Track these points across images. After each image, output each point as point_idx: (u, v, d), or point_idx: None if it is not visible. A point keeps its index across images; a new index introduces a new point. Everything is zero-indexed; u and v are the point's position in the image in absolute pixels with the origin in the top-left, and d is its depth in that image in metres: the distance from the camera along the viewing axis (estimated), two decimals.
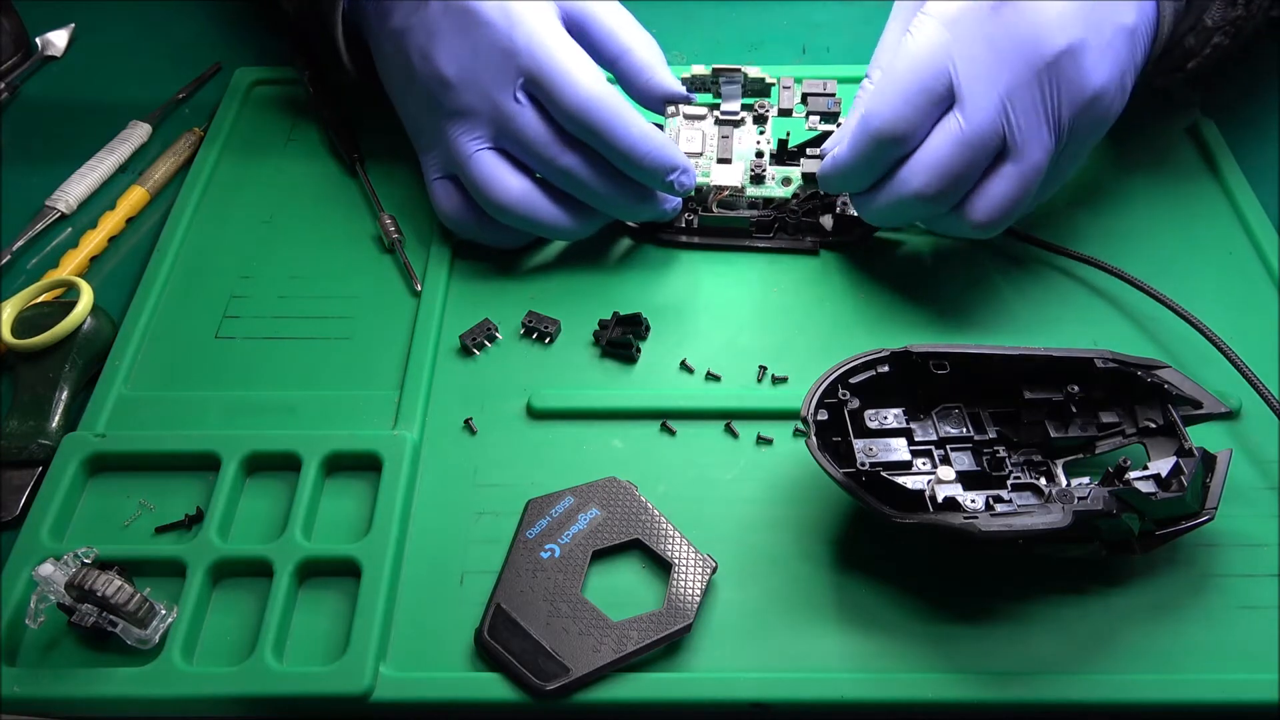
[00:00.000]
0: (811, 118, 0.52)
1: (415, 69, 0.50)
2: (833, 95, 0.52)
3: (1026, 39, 0.44)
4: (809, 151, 0.53)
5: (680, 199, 0.52)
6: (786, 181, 0.53)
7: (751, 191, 0.53)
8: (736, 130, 0.53)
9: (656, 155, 0.47)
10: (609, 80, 0.50)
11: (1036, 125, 0.44)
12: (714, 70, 0.52)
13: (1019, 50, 0.44)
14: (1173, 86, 0.56)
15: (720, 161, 0.53)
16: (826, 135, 0.53)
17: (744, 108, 0.53)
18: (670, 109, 0.53)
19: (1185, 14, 0.50)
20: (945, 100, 0.44)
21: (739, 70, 0.52)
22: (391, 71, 0.53)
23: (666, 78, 0.51)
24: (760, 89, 0.53)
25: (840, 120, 0.52)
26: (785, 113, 0.53)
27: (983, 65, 0.44)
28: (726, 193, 0.52)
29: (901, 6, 0.51)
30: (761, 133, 0.53)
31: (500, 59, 0.47)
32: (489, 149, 0.49)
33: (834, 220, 0.53)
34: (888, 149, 0.45)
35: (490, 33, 0.48)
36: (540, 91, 0.47)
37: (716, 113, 0.53)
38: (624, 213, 0.51)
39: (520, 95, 0.48)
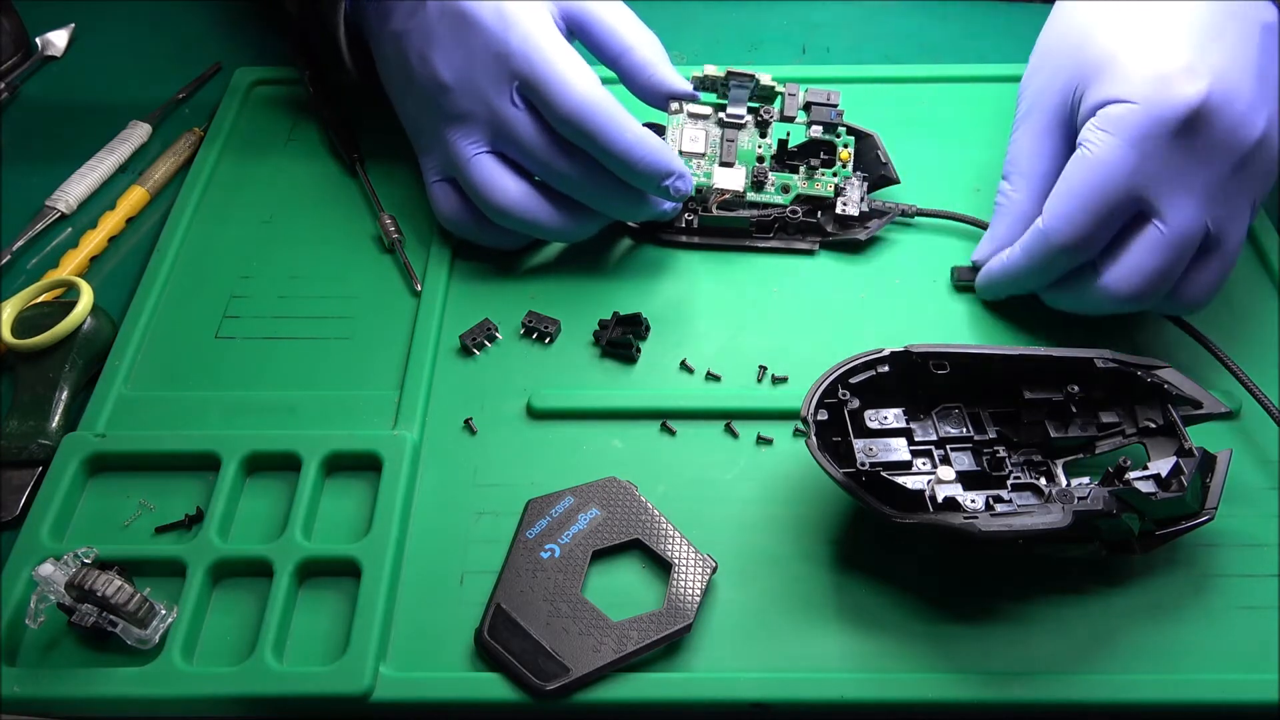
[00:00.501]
0: (814, 127, 0.53)
1: (414, 72, 0.50)
2: (835, 105, 0.53)
3: (1223, 141, 0.43)
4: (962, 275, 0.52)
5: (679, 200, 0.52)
6: (785, 189, 0.53)
7: (751, 197, 0.53)
8: (740, 134, 0.53)
9: (652, 160, 0.47)
10: (609, 80, 0.50)
11: (1237, 214, 0.44)
12: (727, 73, 0.52)
13: (1216, 153, 0.43)
14: None
15: (723, 165, 0.53)
16: (820, 143, 0.53)
17: (748, 111, 0.53)
18: (674, 105, 0.53)
19: None
20: (1135, 207, 0.44)
21: (752, 76, 0.52)
22: (391, 74, 0.53)
23: (669, 74, 0.51)
24: (767, 95, 0.53)
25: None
26: (788, 119, 0.53)
27: (1179, 175, 0.43)
28: (727, 196, 0.52)
29: (1032, 104, 0.50)
30: (763, 136, 0.53)
31: (495, 63, 0.47)
32: (487, 152, 0.49)
33: (834, 220, 0.53)
34: (1069, 260, 0.46)
35: (485, 36, 0.48)
36: (534, 96, 0.47)
37: (721, 114, 0.53)
38: (622, 214, 0.51)
39: (516, 99, 0.48)
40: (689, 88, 0.51)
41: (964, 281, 0.51)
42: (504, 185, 0.49)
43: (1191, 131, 0.43)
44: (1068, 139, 0.48)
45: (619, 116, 0.47)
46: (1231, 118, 0.43)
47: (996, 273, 0.49)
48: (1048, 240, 0.45)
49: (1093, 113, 0.45)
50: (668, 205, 0.52)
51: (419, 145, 0.53)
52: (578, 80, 0.47)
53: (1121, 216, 0.44)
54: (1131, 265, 0.44)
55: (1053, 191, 0.46)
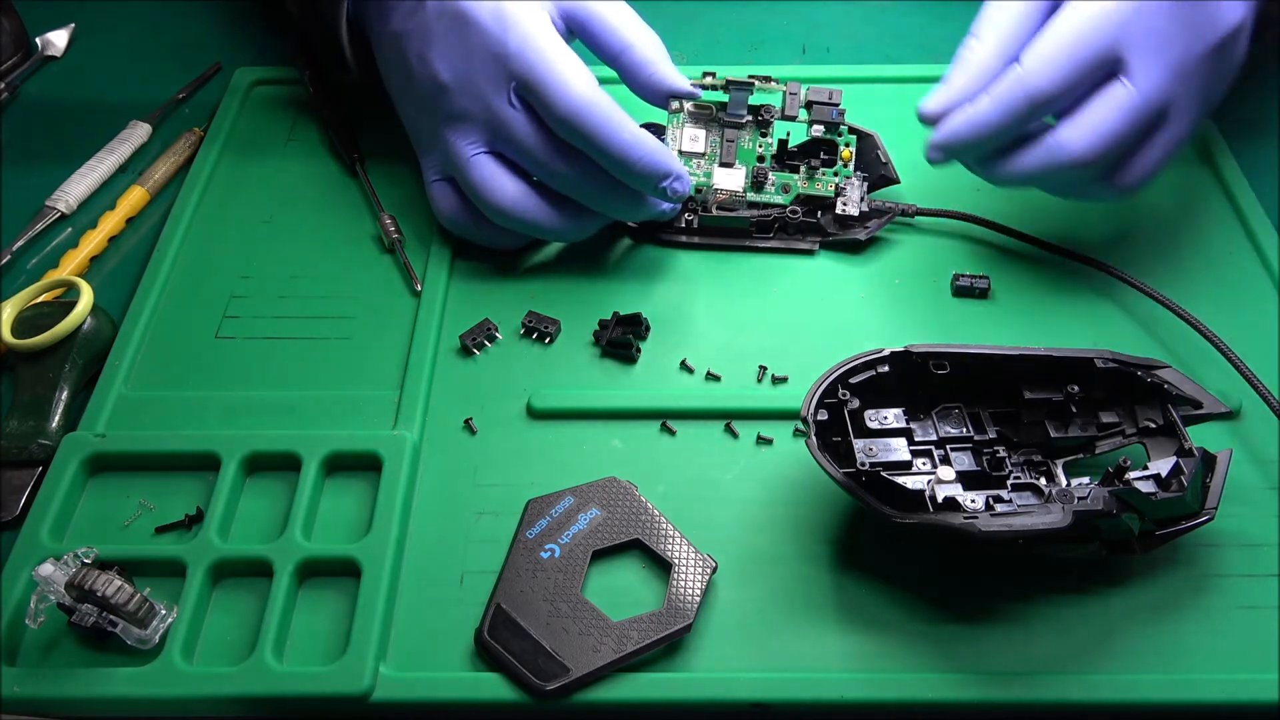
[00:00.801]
0: (815, 127, 0.53)
1: (413, 72, 0.50)
2: (837, 105, 0.53)
3: (1208, 19, 0.44)
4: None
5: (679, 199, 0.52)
6: (786, 189, 0.53)
7: (751, 198, 0.53)
8: (740, 133, 0.53)
9: (649, 161, 0.47)
10: (608, 80, 0.50)
11: (1197, 98, 0.45)
12: (727, 81, 0.52)
13: (1195, 25, 0.44)
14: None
15: (723, 165, 0.53)
16: (821, 143, 0.53)
17: (748, 110, 0.53)
18: (674, 104, 0.53)
19: None
20: (1108, 67, 0.44)
21: (752, 82, 0.52)
22: (391, 73, 0.53)
23: (670, 72, 0.51)
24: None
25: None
26: (789, 118, 0.53)
27: (1157, 36, 0.44)
28: (727, 196, 0.52)
29: None
30: (763, 135, 0.53)
31: (493, 64, 0.47)
32: (485, 153, 0.49)
33: (834, 220, 0.53)
34: (1040, 111, 0.45)
35: (483, 37, 0.47)
36: (532, 97, 0.47)
37: (721, 114, 0.53)
38: (621, 214, 0.51)
39: (514, 100, 0.47)
40: (689, 86, 0.51)
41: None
42: (502, 185, 0.49)
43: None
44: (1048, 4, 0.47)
45: (616, 118, 0.47)
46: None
47: (961, 126, 0.46)
48: (1025, 87, 0.44)
49: None
50: (666, 206, 0.52)
51: (418, 145, 0.53)
52: (575, 81, 0.46)
53: (1098, 67, 0.44)
54: (1092, 122, 0.44)
55: (1036, 38, 0.45)
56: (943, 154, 0.47)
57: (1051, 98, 0.44)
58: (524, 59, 0.47)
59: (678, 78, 0.51)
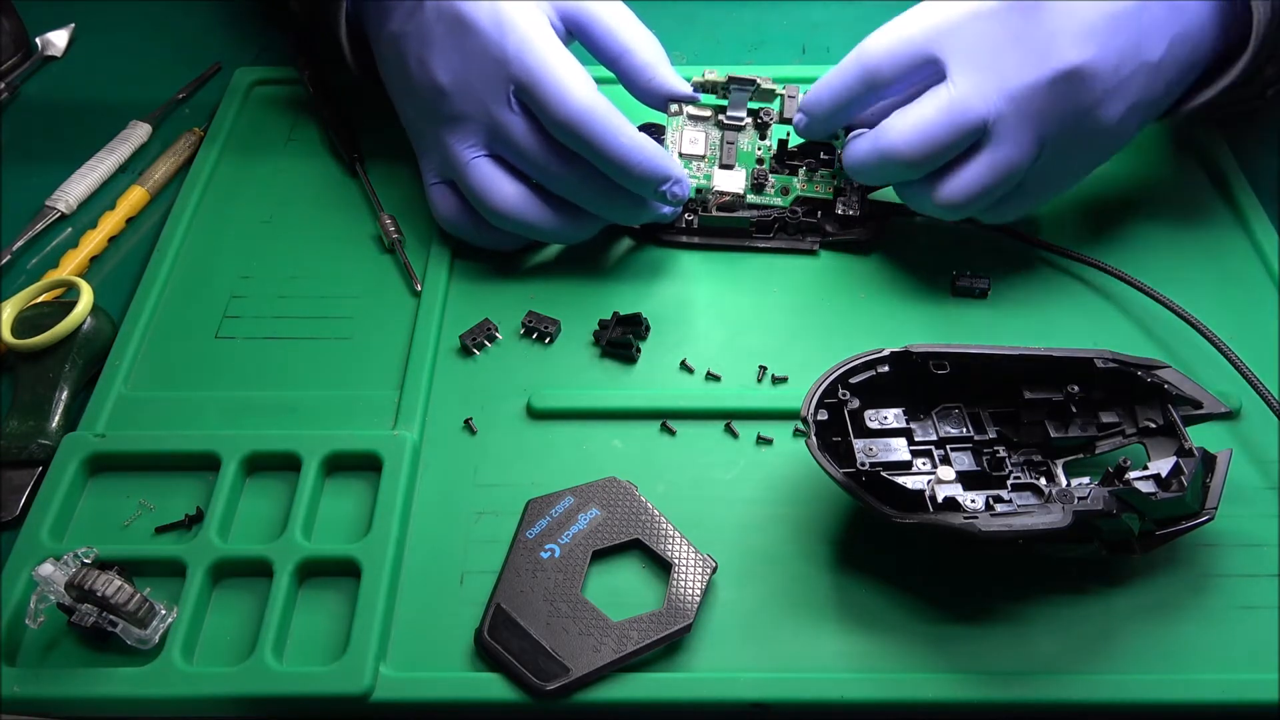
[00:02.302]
0: None
1: (412, 74, 0.50)
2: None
3: (1037, 42, 0.44)
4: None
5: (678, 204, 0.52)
6: (785, 191, 0.53)
7: (752, 199, 0.53)
8: (739, 135, 0.53)
9: (648, 165, 0.47)
10: (607, 80, 0.50)
11: (1020, 125, 0.45)
12: (728, 78, 0.52)
13: (1026, 49, 0.44)
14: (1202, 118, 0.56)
15: (723, 167, 0.53)
16: (819, 144, 0.53)
17: (748, 113, 0.54)
18: (673, 107, 0.53)
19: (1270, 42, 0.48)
20: (936, 69, 0.46)
21: (753, 80, 0.52)
22: (390, 75, 0.53)
23: (670, 76, 0.51)
24: (767, 97, 0.53)
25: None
26: (787, 120, 0.53)
27: (986, 49, 0.45)
28: (727, 198, 0.52)
29: None
30: (763, 138, 0.53)
31: (492, 67, 0.47)
32: (485, 156, 0.49)
33: (834, 220, 0.53)
34: (870, 86, 0.47)
35: (481, 40, 0.47)
36: (530, 101, 0.47)
37: (721, 116, 0.53)
38: (620, 217, 0.51)
39: (513, 103, 0.47)
40: (689, 89, 0.51)
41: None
42: (501, 188, 0.49)
43: (1016, 16, 0.45)
44: None
45: (615, 122, 0.47)
46: (1054, 31, 0.44)
47: (811, 94, 0.50)
48: (859, 57, 0.47)
49: None
50: (666, 209, 0.52)
51: (418, 147, 0.53)
52: (574, 85, 0.46)
53: (922, 59, 0.46)
54: (911, 116, 0.46)
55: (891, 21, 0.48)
56: (802, 117, 0.50)
57: (878, 74, 0.46)
58: (522, 62, 0.47)
59: (677, 81, 0.51)
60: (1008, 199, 0.48)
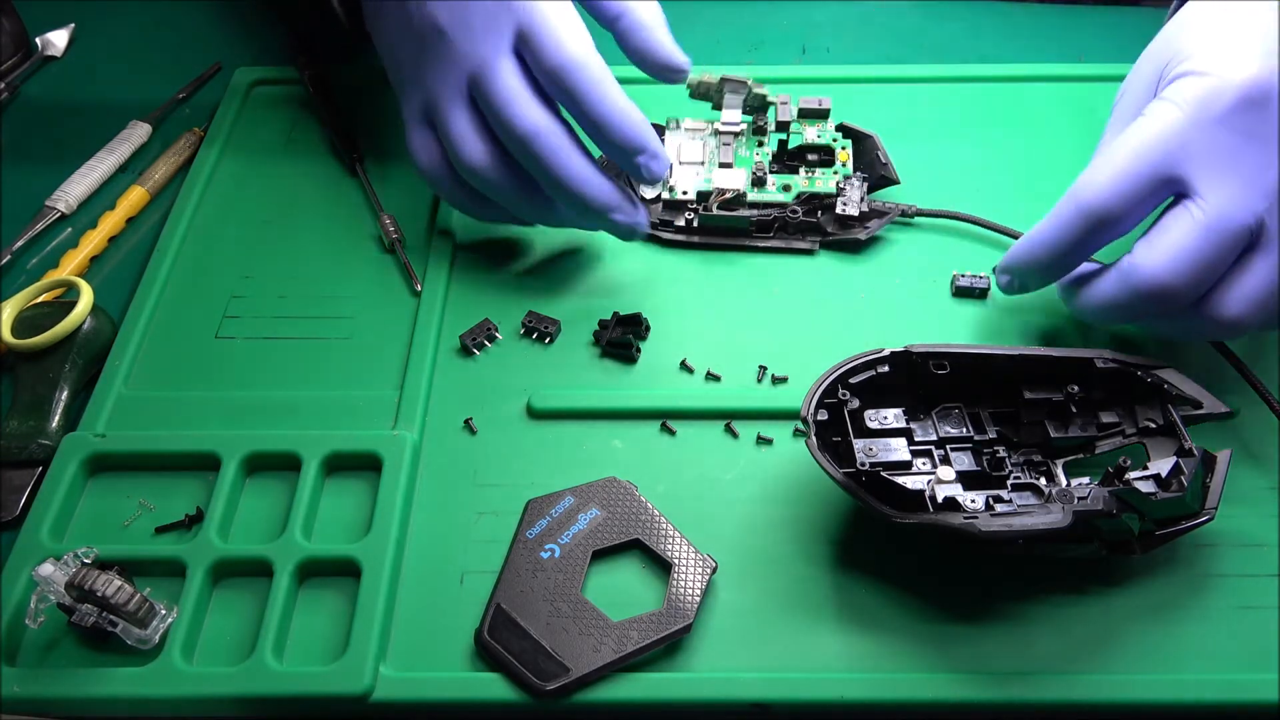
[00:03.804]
0: (809, 131, 0.53)
1: (410, 15, 0.49)
2: (827, 111, 0.54)
3: (1271, 128, 0.41)
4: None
5: (643, 226, 0.49)
6: (787, 188, 0.53)
7: (753, 197, 0.53)
8: (737, 139, 0.54)
9: (629, 130, 0.46)
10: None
11: None
12: (721, 79, 0.52)
13: (1263, 141, 0.41)
14: None
15: (722, 166, 0.53)
16: (818, 147, 0.53)
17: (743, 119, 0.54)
18: (671, 123, 0.53)
19: None
20: (1173, 186, 0.41)
21: (744, 81, 0.52)
22: (384, 18, 0.52)
23: (665, 41, 0.49)
24: (760, 105, 0.54)
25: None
26: (783, 126, 0.53)
27: (1224, 153, 0.41)
28: (728, 194, 0.53)
29: (1119, 104, 0.46)
30: (760, 144, 0.54)
31: (495, 10, 0.46)
32: (469, 105, 0.48)
33: (834, 220, 0.53)
34: (1098, 229, 0.42)
35: None
36: (528, 45, 0.46)
37: (717, 124, 0.54)
38: (576, 214, 0.49)
39: (510, 51, 0.46)
40: (683, 58, 0.49)
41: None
42: (474, 142, 0.47)
43: (1251, 108, 0.40)
44: None
45: (606, 82, 0.46)
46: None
47: (1019, 246, 0.45)
48: (1077, 201, 0.42)
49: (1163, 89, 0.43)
50: (621, 219, 0.49)
51: (402, 89, 0.51)
52: (573, 35, 0.46)
53: (1161, 189, 0.41)
54: (1166, 243, 0.41)
55: (1099, 152, 0.43)
56: (1007, 277, 0.46)
57: (1107, 214, 0.41)
58: (525, 7, 0.46)
59: (672, 47, 0.49)
60: None
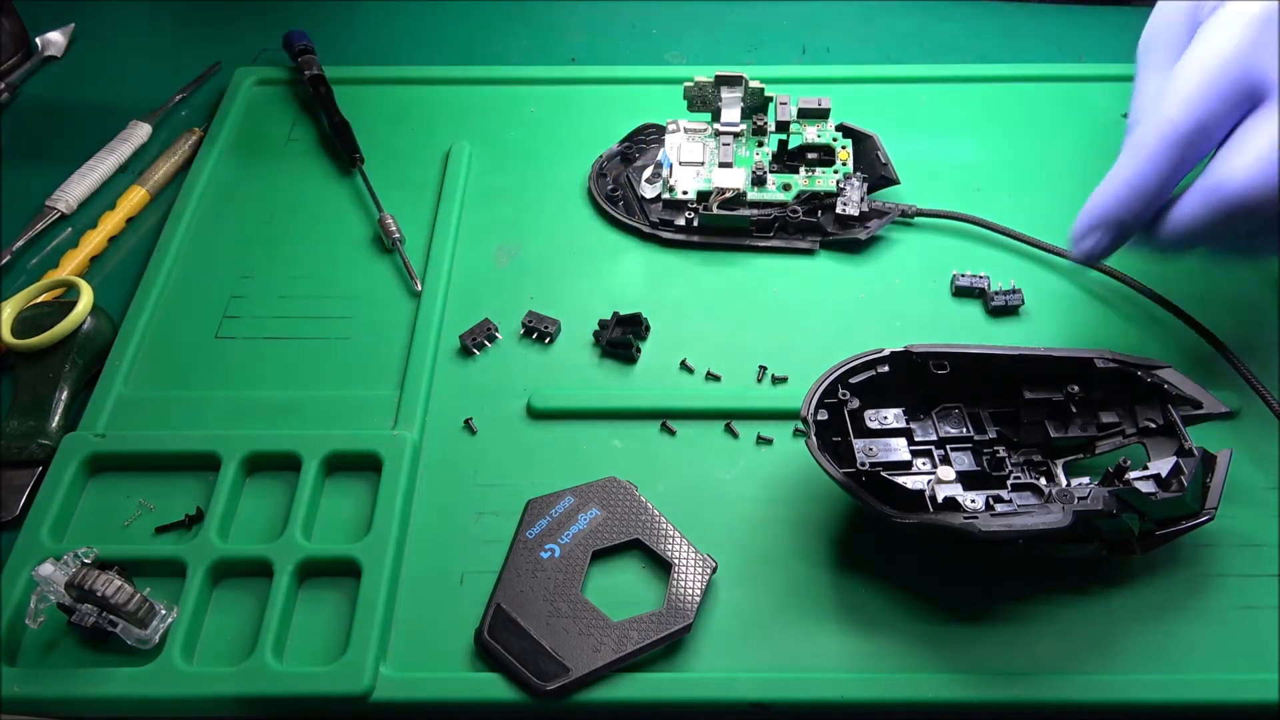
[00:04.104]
0: (809, 130, 0.53)
1: None
2: (827, 110, 0.54)
3: None
4: None
5: None
6: (787, 187, 0.53)
7: (753, 196, 0.53)
8: (737, 139, 0.54)
9: None
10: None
11: None
12: (716, 78, 0.52)
13: None
14: None
15: (721, 165, 0.53)
16: (818, 146, 0.53)
17: (742, 119, 0.54)
18: (670, 125, 0.53)
19: None
20: (1252, 92, 0.38)
21: (741, 77, 0.52)
22: None
23: None
24: (758, 103, 0.54)
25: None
26: (783, 126, 0.53)
27: None
28: (729, 194, 0.53)
29: (1152, 49, 0.43)
30: (760, 144, 0.54)
31: None
32: None
33: (834, 220, 0.53)
34: (1194, 149, 0.38)
35: None
36: None
37: (716, 125, 0.54)
38: None
39: None
40: None
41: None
42: None
43: None
44: None
45: None
46: None
47: (1106, 201, 0.40)
48: (1164, 127, 0.38)
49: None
50: None
51: None
52: None
53: (1241, 97, 0.38)
54: (1253, 149, 0.37)
55: (1168, 79, 0.40)
56: (1093, 239, 0.41)
57: (1196, 130, 0.38)
58: None
59: None
60: None
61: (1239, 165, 0.38)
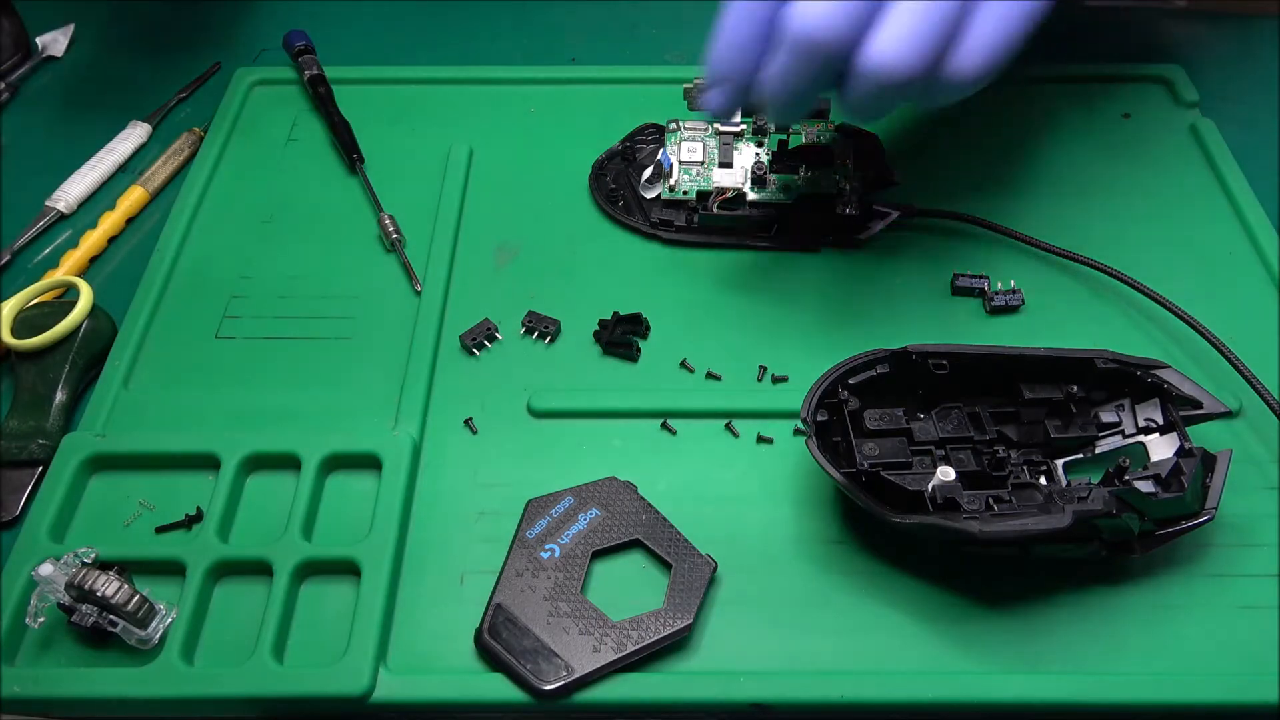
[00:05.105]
0: (807, 133, 0.53)
1: None
2: (826, 112, 0.53)
3: None
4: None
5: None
6: (787, 188, 0.53)
7: (752, 196, 0.53)
8: (737, 141, 0.54)
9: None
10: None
11: None
12: None
13: None
14: None
15: (721, 165, 0.53)
16: (817, 148, 0.53)
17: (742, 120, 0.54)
18: (671, 125, 0.53)
19: None
20: None
21: None
22: None
23: None
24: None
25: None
26: (784, 127, 0.53)
27: None
28: (729, 194, 0.53)
29: None
30: (760, 144, 0.54)
31: None
32: None
33: (834, 220, 0.53)
34: (825, 62, 0.39)
35: None
36: None
37: (716, 125, 0.54)
38: None
39: None
40: None
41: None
42: None
43: None
44: None
45: None
46: None
47: (711, 57, 0.42)
48: (791, 37, 0.39)
49: None
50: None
51: None
52: None
53: None
54: (895, 24, 0.38)
55: None
56: (712, 95, 0.43)
57: (832, 40, 0.38)
58: None
59: None
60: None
61: (884, 44, 0.38)
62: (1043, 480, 0.43)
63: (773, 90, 0.41)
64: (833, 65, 0.39)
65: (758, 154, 0.54)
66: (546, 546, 0.42)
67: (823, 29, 0.38)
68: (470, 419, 0.47)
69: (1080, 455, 0.44)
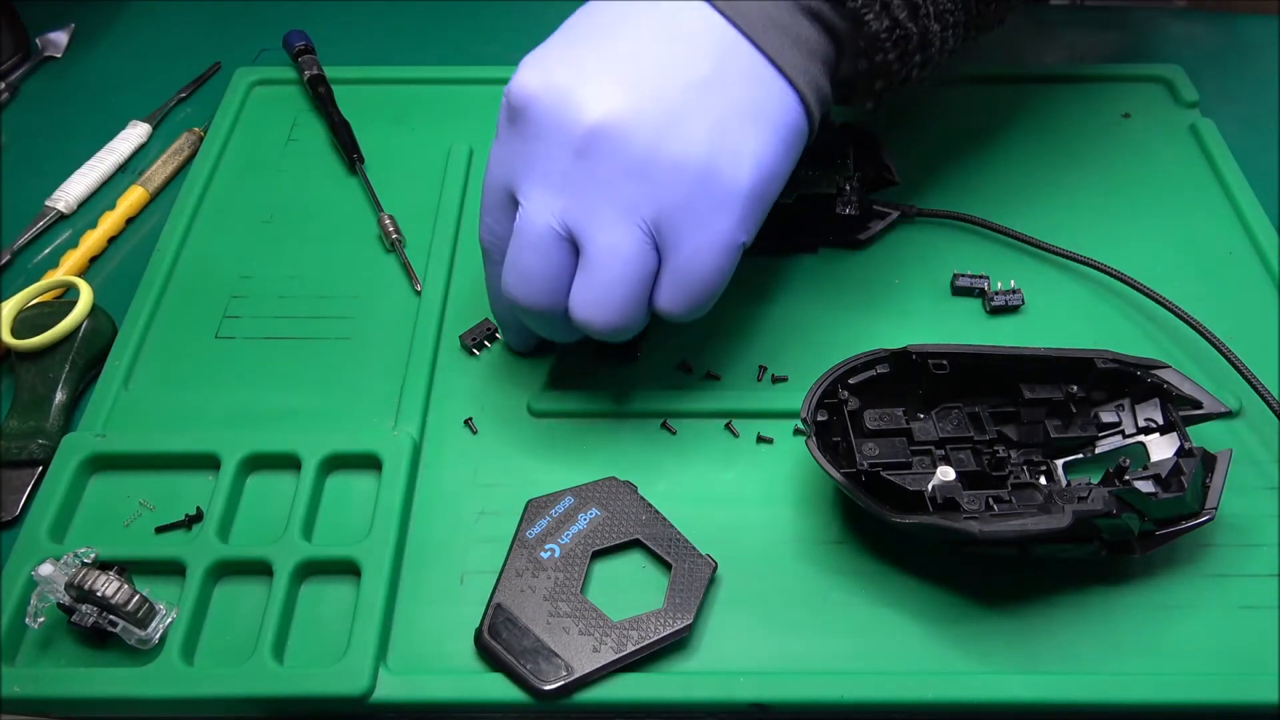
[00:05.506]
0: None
1: None
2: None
3: (549, 128, 0.40)
4: None
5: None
6: (787, 188, 0.53)
7: None
8: None
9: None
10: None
11: (603, 219, 0.39)
12: None
13: (544, 139, 0.40)
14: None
15: None
16: (818, 148, 0.53)
17: None
18: None
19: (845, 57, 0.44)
20: (513, 199, 0.42)
21: None
22: None
23: None
24: None
25: None
26: None
27: (530, 161, 0.40)
28: None
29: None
30: None
31: None
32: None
33: (834, 220, 0.53)
34: (490, 256, 0.44)
35: None
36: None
37: None
38: None
39: None
40: None
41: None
42: None
43: (522, 120, 0.40)
44: None
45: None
46: (556, 107, 0.39)
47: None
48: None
49: None
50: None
51: None
52: None
53: (506, 206, 0.42)
54: (510, 258, 0.41)
55: None
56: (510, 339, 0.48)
57: (490, 235, 0.43)
58: None
59: None
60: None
61: (506, 274, 0.42)
62: (1043, 480, 0.43)
63: (532, 328, 0.45)
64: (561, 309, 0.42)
65: None
66: (546, 546, 0.42)
67: (522, 300, 0.42)
68: (470, 419, 0.47)
69: (1080, 455, 0.44)
